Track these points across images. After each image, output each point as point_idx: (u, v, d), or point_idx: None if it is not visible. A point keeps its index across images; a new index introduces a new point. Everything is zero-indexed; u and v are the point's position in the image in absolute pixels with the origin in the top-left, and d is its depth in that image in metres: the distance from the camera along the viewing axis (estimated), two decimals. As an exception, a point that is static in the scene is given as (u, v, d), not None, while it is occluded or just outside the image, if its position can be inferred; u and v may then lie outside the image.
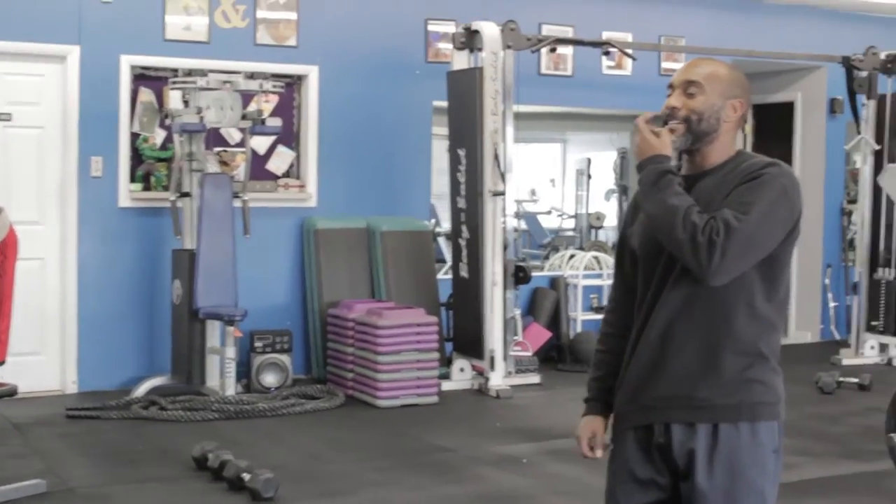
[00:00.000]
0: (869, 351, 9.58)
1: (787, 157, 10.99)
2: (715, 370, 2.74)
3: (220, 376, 7.36)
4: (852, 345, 9.65)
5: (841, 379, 8.33)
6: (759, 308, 2.75)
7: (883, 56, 9.59)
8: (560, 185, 12.95)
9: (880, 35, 10.28)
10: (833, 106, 10.71)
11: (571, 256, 9.76)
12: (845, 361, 9.37)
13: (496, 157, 7.98)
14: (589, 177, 11.75)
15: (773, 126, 11.52)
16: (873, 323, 9.66)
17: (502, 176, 7.99)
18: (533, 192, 11.63)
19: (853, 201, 10.53)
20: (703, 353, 2.75)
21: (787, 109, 11.04)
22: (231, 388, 7.27)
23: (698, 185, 2.82)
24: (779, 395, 2.80)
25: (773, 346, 2.80)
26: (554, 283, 9.45)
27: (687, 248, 2.63)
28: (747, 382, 2.74)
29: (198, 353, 7.45)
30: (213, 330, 7.48)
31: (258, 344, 7.82)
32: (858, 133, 9.68)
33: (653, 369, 2.81)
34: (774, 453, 2.77)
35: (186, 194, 7.55)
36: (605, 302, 9.53)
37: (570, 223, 12.35)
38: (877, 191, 9.36)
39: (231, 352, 7.25)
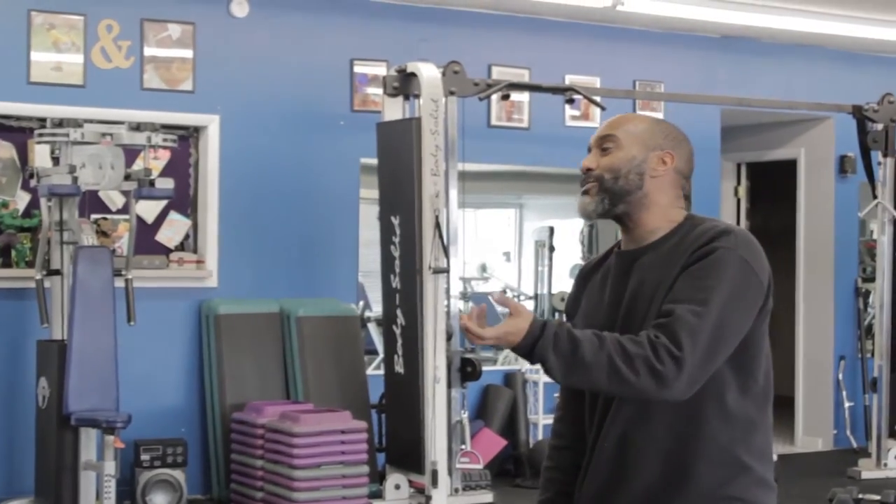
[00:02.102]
0: (893, 461, 9.62)
1: (789, 225, 11.16)
2: (686, 484, 2.78)
3: (97, 498, 7.23)
4: (872, 454, 9.70)
5: (860, 496, 8.35)
6: (732, 405, 2.79)
7: (901, 105, 9.79)
8: (516, 259, 12.99)
9: (898, 80, 10.51)
10: (843, 164, 10.89)
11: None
12: (865, 474, 9.42)
13: (437, 226, 8.01)
14: (551, 249, 11.79)
15: (773, 188, 11.69)
16: (896, 427, 9.75)
17: (445, 249, 8.02)
18: (483, 269, 11.65)
19: (870, 279, 10.67)
20: (669, 464, 2.79)
21: (788, 168, 11.22)
22: (111, 513, 7.18)
23: (640, 263, 2.89)
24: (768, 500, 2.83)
25: (756, 451, 2.82)
26: (509, 379, 9.48)
27: (648, 385, 2.66)
28: (726, 501, 2.77)
29: (69, 468, 7.31)
30: (89, 440, 7.35)
31: (145, 457, 7.75)
32: (874, 197, 9.83)
33: (611, 485, 2.86)
34: None
35: (56, 272, 7.49)
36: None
37: (529, 305, 12.40)
38: (898, 266, 9.54)
39: (111, 467, 7.09)
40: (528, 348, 2.67)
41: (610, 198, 2.88)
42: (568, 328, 2.69)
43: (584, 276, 3.09)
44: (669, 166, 2.89)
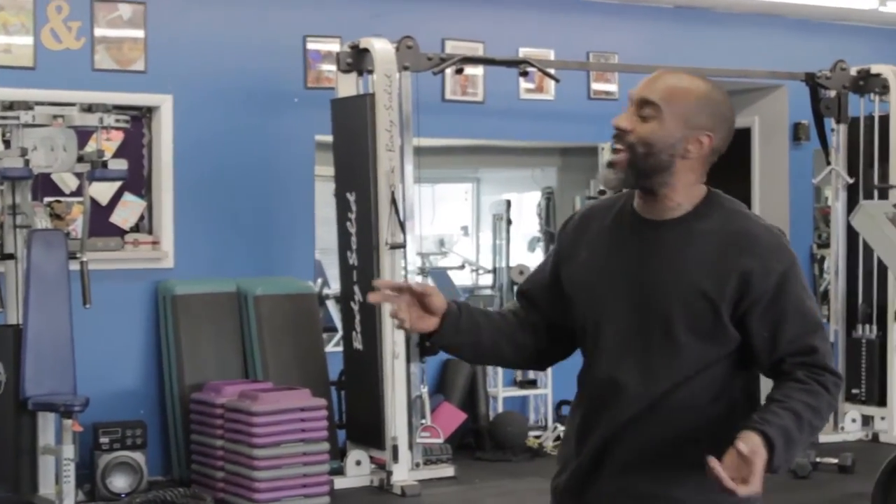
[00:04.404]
0: (850, 425, 9.68)
1: (745, 193, 11.15)
2: (687, 463, 2.73)
3: (57, 482, 7.21)
4: (829, 418, 9.70)
5: (818, 459, 8.41)
6: (746, 405, 2.80)
7: (854, 72, 9.79)
8: (474, 233, 12.99)
9: (850, 47, 10.51)
10: (797, 132, 10.91)
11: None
12: (822, 438, 9.36)
13: (394, 201, 8.01)
14: (508, 222, 11.77)
15: (727, 156, 11.65)
16: (853, 391, 9.78)
17: (402, 225, 8.01)
18: (441, 244, 11.62)
19: (824, 245, 10.71)
20: (671, 440, 2.77)
21: (742, 137, 11.20)
22: (71, 497, 7.11)
23: (662, 239, 2.79)
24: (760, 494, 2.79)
25: None
26: (468, 353, 9.41)
27: (832, 413, 2.90)
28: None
29: (27, 453, 7.30)
30: (47, 424, 7.34)
31: (104, 440, 7.72)
32: (828, 164, 9.87)
33: (601, 457, 2.82)
34: None
35: (10, 256, 7.45)
36: (529, 376, 9.58)
37: (488, 279, 12.36)
38: (852, 232, 9.52)
39: (69, 451, 7.11)
40: (769, 463, 2.60)
41: (636, 174, 2.75)
42: (775, 423, 2.63)
43: (585, 222, 2.95)
44: (706, 148, 2.75)
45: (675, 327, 2.75)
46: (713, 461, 2.54)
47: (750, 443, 2.56)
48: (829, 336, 2.79)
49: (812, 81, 9.76)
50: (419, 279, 8.89)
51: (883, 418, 9.66)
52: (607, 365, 2.84)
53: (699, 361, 2.76)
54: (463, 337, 2.96)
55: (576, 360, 3.06)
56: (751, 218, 2.83)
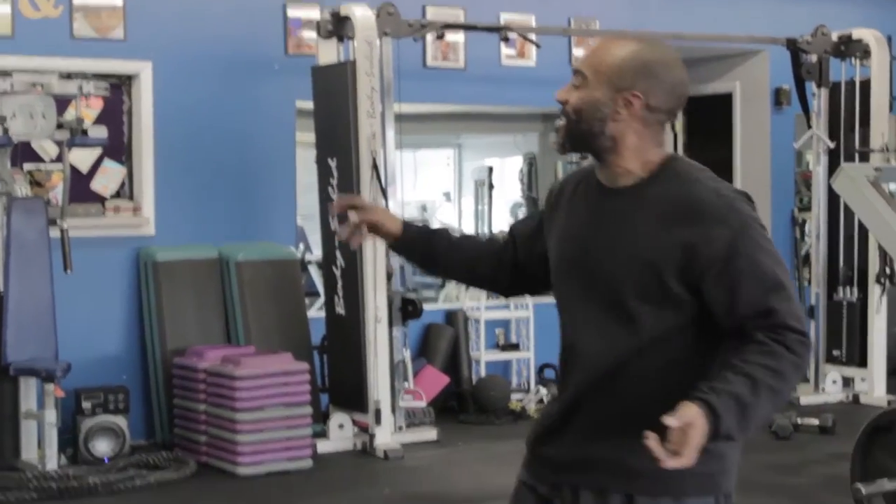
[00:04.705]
0: (830, 386, 9.74)
1: (727, 159, 11.16)
2: (640, 428, 2.70)
3: (39, 447, 7.26)
4: (811, 380, 9.80)
5: (799, 421, 8.45)
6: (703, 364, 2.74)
7: (835, 37, 9.80)
8: (456, 198, 12.99)
9: (831, 12, 10.50)
10: (778, 97, 10.91)
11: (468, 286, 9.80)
12: (803, 400, 9.49)
13: (375, 167, 8.00)
14: (490, 188, 11.81)
15: (709, 122, 11.68)
16: (834, 353, 9.84)
17: (383, 191, 8.02)
18: (423, 209, 11.62)
19: (806, 209, 10.74)
20: (630, 408, 2.75)
21: (724, 102, 11.23)
22: (53, 461, 7.16)
23: (610, 204, 2.81)
24: (724, 463, 2.78)
25: None
26: (451, 317, 9.48)
27: (798, 377, 2.69)
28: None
29: (9, 419, 7.34)
30: (29, 390, 7.37)
31: (86, 404, 7.70)
32: (809, 128, 9.88)
33: (568, 418, 2.83)
34: None
35: (-10, 223, 7.46)
36: (512, 340, 9.60)
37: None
38: (833, 196, 9.54)
39: (52, 416, 7.15)
40: (714, 437, 2.57)
41: (573, 141, 2.80)
42: (721, 389, 2.58)
43: (563, 188, 2.98)
44: (636, 108, 2.73)
45: (626, 296, 2.75)
46: (649, 434, 2.53)
47: (683, 415, 2.53)
48: (793, 294, 2.70)
49: (793, 46, 9.77)
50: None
51: (863, 380, 9.71)
52: (571, 331, 2.89)
53: (655, 330, 2.74)
54: (418, 244, 3.13)
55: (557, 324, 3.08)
56: (701, 182, 2.76)
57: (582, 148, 2.81)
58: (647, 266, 2.71)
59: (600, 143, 2.76)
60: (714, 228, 2.67)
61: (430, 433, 8.29)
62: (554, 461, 2.87)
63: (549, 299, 2.96)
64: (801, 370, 2.67)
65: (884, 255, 9.37)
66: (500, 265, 3.10)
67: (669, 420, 2.51)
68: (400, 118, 8.35)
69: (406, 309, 8.23)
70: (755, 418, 2.61)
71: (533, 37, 9.20)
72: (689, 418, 2.52)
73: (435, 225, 10.82)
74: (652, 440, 2.52)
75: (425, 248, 3.12)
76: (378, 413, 7.94)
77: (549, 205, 2.98)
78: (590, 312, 2.82)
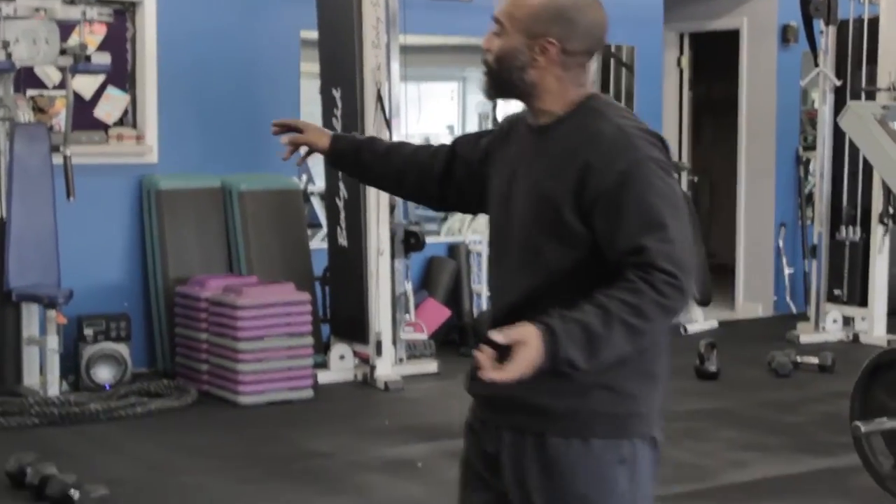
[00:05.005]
0: (831, 325, 9.76)
1: (732, 95, 11.15)
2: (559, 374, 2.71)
3: (41, 373, 7.31)
4: (811, 318, 9.82)
5: (798, 359, 8.49)
6: None
7: (844, -27, 9.73)
8: (459, 131, 12.97)
9: (840, -53, 10.42)
10: (785, 34, 10.87)
11: (474, 218, 9.77)
12: (803, 338, 9.53)
13: (379, 99, 7.99)
14: (494, 121, 11.77)
15: (715, 58, 11.69)
16: (835, 292, 9.86)
17: (388, 122, 7.99)
18: (427, 141, 11.60)
19: (810, 148, 10.73)
20: None
21: (730, 38, 11.19)
22: (55, 387, 7.20)
23: (528, 143, 2.84)
24: (634, 406, 2.78)
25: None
26: (453, 250, 9.49)
27: (664, 321, 2.65)
28: (587, 387, 2.73)
29: (11, 344, 7.39)
30: (31, 316, 7.41)
31: (88, 331, 7.77)
32: (816, 66, 9.84)
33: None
34: (622, 464, 2.76)
35: (-8, 150, 7.48)
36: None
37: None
38: (838, 134, 9.50)
39: (54, 342, 7.20)
40: (551, 360, 2.57)
41: (496, 87, 2.86)
42: (570, 317, 2.58)
43: (509, 125, 2.99)
44: (553, 54, 2.75)
45: (531, 232, 2.77)
46: (482, 347, 2.57)
47: (516, 332, 2.55)
48: (675, 236, 2.61)
49: (802, -17, 9.71)
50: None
51: (864, 319, 9.73)
52: (492, 267, 2.96)
53: (559, 265, 2.74)
54: (347, 157, 3.20)
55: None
56: (606, 117, 2.76)
57: (506, 94, 2.87)
58: (547, 201, 2.74)
59: (522, 89, 2.80)
60: (607, 161, 2.68)
61: (431, 365, 8.31)
62: (479, 398, 2.91)
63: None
64: (668, 311, 2.62)
65: (888, 194, 9.37)
66: (427, 176, 3.11)
67: (496, 335, 2.55)
68: (405, 50, 8.31)
69: (408, 241, 8.25)
70: (605, 349, 2.59)
71: (540, -31, 9.11)
72: (520, 336, 2.54)
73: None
74: (481, 353, 2.56)
75: (354, 160, 3.18)
76: (379, 345, 7.98)
77: (501, 135, 2.99)
78: (506, 249, 2.86)
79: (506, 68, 2.77)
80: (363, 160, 3.16)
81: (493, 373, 2.55)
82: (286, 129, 3.20)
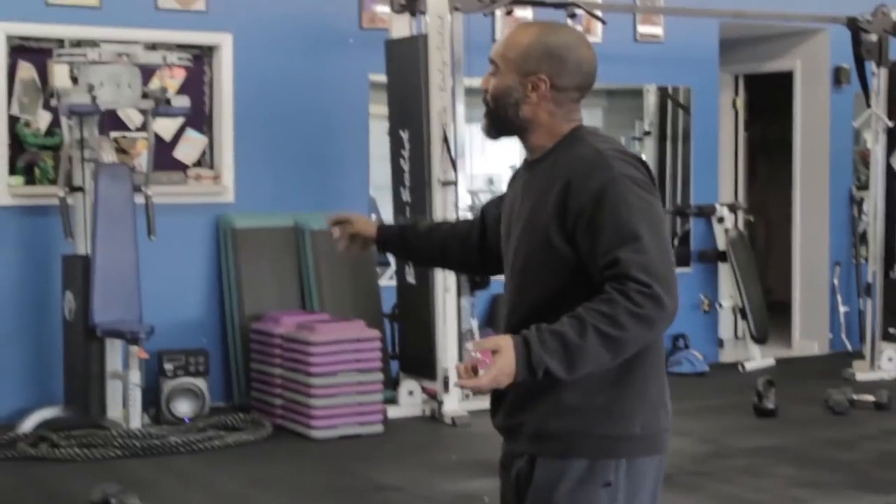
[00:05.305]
0: (886, 363, 9.75)
1: (786, 136, 11.21)
2: (535, 390, 2.84)
3: (124, 406, 7.38)
4: (867, 356, 9.82)
5: (854, 397, 8.47)
6: None
7: (895, 16, 9.77)
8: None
9: (892, -9, 10.50)
10: (838, 75, 10.91)
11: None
12: (859, 376, 9.52)
13: (445, 140, 8.09)
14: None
15: (769, 100, 11.72)
16: (890, 330, 9.86)
17: (453, 162, 8.10)
18: (490, 181, 11.66)
19: (864, 187, 10.72)
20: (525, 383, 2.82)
21: (784, 80, 11.25)
22: (136, 420, 7.29)
23: (523, 178, 2.99)
24: (631, 427, 2.84)
25: (608, 377, 2.82)
26: (516, 288, 9.51)
27: (640, 331, 2.69)
28: (579, 409, 2.82)
29: (96, 378, 7.48)
30: (114, 351, 7.51)
31: (168, 366, 7.87)
32: (868, 106, 9.87)
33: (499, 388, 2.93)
34: (605, 487, 2.82)
35: (78, 189, 7.59)
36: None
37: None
38: (891, 174, 9.60)
39: (136, 376, 7.28)
40: (527, 368, 2.66)
41: (495, 125, 2.97)
42: (546, 328, 2.68)
43: (515, 172, 3.14)
44: (543, 90, 2.88)
45: (525, 258, 2.91)
46: (459, 364, 2.73)
47: (489, 341, 2.69)
48: (650, 247, 2.69)
49: (853, 25, 9.75)
50: (469, 216, 8.99)
51: (919, 357, 9.72)
52: (503, 302, 3.09)
53: (551, 288, 2.85)
54: (394, 243, 3.40)
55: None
56: (585, 142, 2.88)
57: (504, 132, 2.98)
58: (537, 227, 2.87)
59: (517, 125, 2.93)
60: (583, 181, 2.79)
61: (496, 401, 8.36)
62: (501, 431, 3.02)
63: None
64: (642, 320, 2.66)
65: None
66: (467, 248, 3.28)
67: (469, 343, 2.72)
68: (470, 92, 8.40)
69: (474, 279, 8.26)
70: (580, 358, 2.66)
71: (599, 13, 9.25)
72: (493, 344, 2.67)
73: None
74: (459, 365, 2.71)
75: (401, 244, 3.38)
76: (446, 380, 8.03)
77: (510, 184, 3.13)
78: (509, 282, 3.00)
79: (502, 105, 2.91)
80: (408, 242, 3.35)
81: (467, 381, 2.69)
82: (339, 222, 3.39)
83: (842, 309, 10.77)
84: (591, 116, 11.96)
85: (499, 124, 2.96)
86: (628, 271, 2.68)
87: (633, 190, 2.77)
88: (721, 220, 10.27)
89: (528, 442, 2.89)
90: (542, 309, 2.82)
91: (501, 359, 2.65)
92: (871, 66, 9.82)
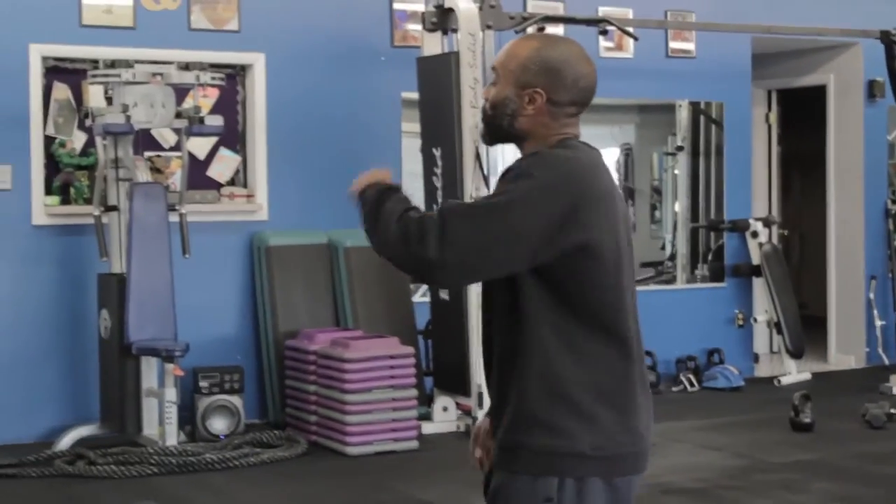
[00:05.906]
0: (923, 377, 9.70)
1: (820, 150, 11.17)
2: (505, 408, 2.85)
3: (160, 423, 7.41)
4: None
5: (892, 411, 8.42)
6: (553, 336, 2.80)
7: (928, 29, 9.78)
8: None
9: (925, 5, 10.48)
10: (872, 89, 10.87)
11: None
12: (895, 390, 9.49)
13: (478, 157, 8.09)
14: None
15: (803, 114, 11.68)
16: (924, 343, 9.82)
17: (486, 179, 8.08)
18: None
19: (899, 201, 10.72)
20: (499, 390, 2.89)
21: (818, 94, 11.22)
22: (172, 437, 7.31)
23: None
24: (575, 445, 2.80)
25: (579, 382, 2.81)
26: (550, 304, 9.51)
27: (399, 244, 2.81)
28: (528, 423, 2.81)
29: (132, 396, 7.52)
30: (150, 368, 7.55)
31: (203, 384, 7.91)
32: (903, 120, 9.88)
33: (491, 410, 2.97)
34: (546, 502, 2.79)
35: (113, 208, 7.64)
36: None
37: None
38: (926, 188, 9.57)
39: (171, 394, 7.31)
40: (361, 189, 2.96)
41: (491, 133, 2.99)
42: (400, 192, 2.88)
43: None
44: (539, 104, 2.88)
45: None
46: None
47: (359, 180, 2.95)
48: (474, 213, 2.73)
49: (887, 39, 9.74)
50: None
51: (955, 370, 9.67)
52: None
53: (503, 302, 2.85)
54: None
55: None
56: (556, 150, 2.87)
57: (500, 139, 3.00)
58: None
59: (513, 135, 2.94)
60: (512, 165, 2.86)
61: (531, 416, 8.34)
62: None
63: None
64: (403, 236, 2.80)
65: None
66: None
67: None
68: (502, 109, 8.41)
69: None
70: (370, 216, 2.94)
71: (631, 29, 9.25)
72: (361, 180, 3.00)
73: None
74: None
75: None
76: (480, 396, 8.00)
77: None
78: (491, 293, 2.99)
79: (499, 115, 2.91)
80: None
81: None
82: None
83: (878, 323, 10.72)
84: (624, 132, 11.95)
85: (495, 133, 2.98)
86: (443, 206, 2.79)
87: (533, 185, 2.76)
88: (755, 234, 10.25)
89: (496, 454, 2.90)
90: (497, 331, 2.89)
91: (362, 179, 2.99)
92: (905, 79, 9.78)
